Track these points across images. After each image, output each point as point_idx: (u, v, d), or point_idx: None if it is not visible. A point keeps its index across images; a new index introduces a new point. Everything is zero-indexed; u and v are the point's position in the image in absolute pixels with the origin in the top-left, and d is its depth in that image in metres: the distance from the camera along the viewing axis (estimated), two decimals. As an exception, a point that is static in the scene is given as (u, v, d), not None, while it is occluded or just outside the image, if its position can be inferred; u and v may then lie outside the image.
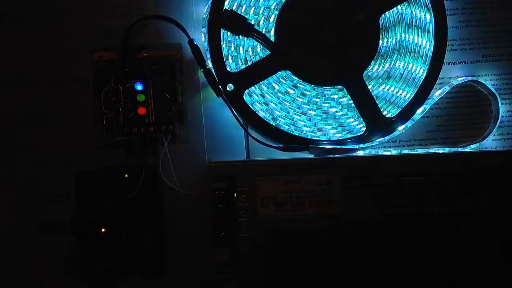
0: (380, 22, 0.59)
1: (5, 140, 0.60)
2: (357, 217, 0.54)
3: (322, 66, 0.59)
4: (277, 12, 0.59)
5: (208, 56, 0.59)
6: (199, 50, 0.58)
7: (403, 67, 0.60)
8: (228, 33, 0.59)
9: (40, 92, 0.60)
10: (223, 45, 0.59)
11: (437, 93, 0.61)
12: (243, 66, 0.59)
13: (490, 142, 0.61)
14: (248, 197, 0.54)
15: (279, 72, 0.60)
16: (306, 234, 0.54)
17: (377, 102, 0.59)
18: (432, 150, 0.60)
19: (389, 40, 0.60)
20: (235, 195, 0.54)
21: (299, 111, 0.60)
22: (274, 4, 0.59)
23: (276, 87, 0.60)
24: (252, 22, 0.59)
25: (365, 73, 0.59)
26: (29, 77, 0.60)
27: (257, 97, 0.60)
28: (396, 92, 0.60)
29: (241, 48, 0.60)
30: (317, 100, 0.60)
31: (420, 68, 0.59)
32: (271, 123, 0.59)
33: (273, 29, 0.59)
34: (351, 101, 0.59)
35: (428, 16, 0.59)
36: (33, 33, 0.60)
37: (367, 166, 0.54)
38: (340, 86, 0.60)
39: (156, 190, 0.59)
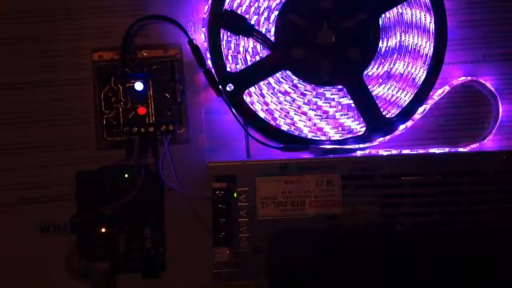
0: (380, 22, 0.59)
1: (5, 140, 0.60)
2: (357, 217, 0.54)
3: (322, 66, 0.59)
4: (277, 12, 0.59)
5: (208, 56, 0.59)
6: (199, 50, 0.58)
7: (403, 67, 0.60)
8: (228, 33, 0.59)
9: (40, 92, 0.60)
10: (223, 45, 0.59)
11: (437, 93, 0.61)
12: (243, 66, 0.59)
13: (490, 142, 0.61)
14: (248, 197, 0.54)
15: (279, 72, 0.60)
16: (306, 234, 0.54)
17: (377, 102, 0.59)
18: (432, 150, 0.60)
19: (389, 40, 0.60)
20: (235, 195, 0.54)
21: (299, 111, 0.60)
22: (274, 4, 0.59)
23: (276, 87, 0.60)
24: (252, 22, 0.59)
25: (365, 73, 0.59)
26: (29, 77, 0.60)
27: (257, 97, 0.60)
28: (396, 92, 0.60)
29: (241, 48, 0.60)
30: (317, 100, 0.60)
31: (420, 68, 0.59)
32: (271, 123, 0.59)
33: (273, 29, 0.59)
34: (351, 101, 0.59)
35: (428, 16, 0.59)
36: (33, 33, 0.60)
37: (367, 166, 0.54)
38: (340, 86, 0.60)
39: (156, 190, 0.59)
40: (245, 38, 0.59)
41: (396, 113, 0.59)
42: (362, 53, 0.59)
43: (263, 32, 0.59)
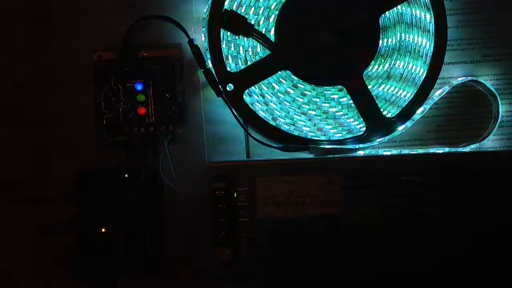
0: (380, 22, 0.59)
1: (5, 140, 0.60)
2: (357, 217, 0.54)
3: (322, 66, 0.59)
4: (277, 12, 0.59)
5: (208, 56, 0.59)
6: (199, 50, 0.58)
7: (403, 67, 0.60)
8: (228, 33, 0.59)
9: (40, 92, 0.60)
10: (223, 45, 0.59)
11: (437, 93, 0.61)
12: (243, 66, 0.59)
13: (490, 142, 0.61)
14: (248, 197, 0.54)
15: (279, 72, 0.60)
16: (306, 234, 0.54)
17: (377, 102, 0.59)
18: (432, 150, 0.60)
19: (389, 40, 0.60)
20: (235, 195, 0.54)
21: (299, 111, 0.60)
22: (274, 4, 0.59)
23: (276, 87, 0.60)
24: (252, 22, 0.59)
25: (365, 73, 0.59)
26: (29, 77, 0.60)
27: (257, 97, 0.60)
28: (396, 92, 0.60)
29: (241, 48, 0.60)
30: (317, 100, 0.60)
31: (420, 68, 0.59)
32: (271, 123, 0.59)
33: (273, 29, 0.59)
34: (351, 101, 0.59)
35: (428, 16, 0.59)
36: (33, 33, 0.60)
37: (367, 166, 0.55)
38: (340, 86, 0.60)
39: (156, 190, 0.59)
40: (245, 38, 0.59)
41: (396, 113, 0.59)
42: (362, 53, 0.59)
43: (263, 32, 0.59)
